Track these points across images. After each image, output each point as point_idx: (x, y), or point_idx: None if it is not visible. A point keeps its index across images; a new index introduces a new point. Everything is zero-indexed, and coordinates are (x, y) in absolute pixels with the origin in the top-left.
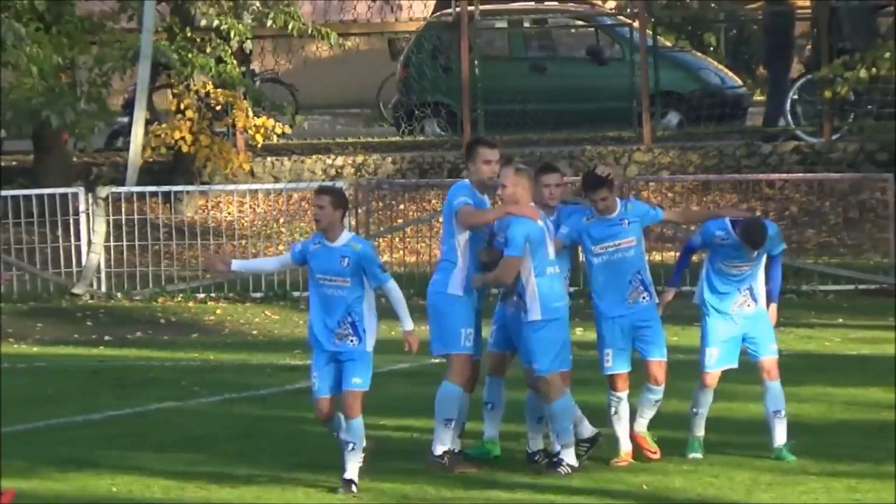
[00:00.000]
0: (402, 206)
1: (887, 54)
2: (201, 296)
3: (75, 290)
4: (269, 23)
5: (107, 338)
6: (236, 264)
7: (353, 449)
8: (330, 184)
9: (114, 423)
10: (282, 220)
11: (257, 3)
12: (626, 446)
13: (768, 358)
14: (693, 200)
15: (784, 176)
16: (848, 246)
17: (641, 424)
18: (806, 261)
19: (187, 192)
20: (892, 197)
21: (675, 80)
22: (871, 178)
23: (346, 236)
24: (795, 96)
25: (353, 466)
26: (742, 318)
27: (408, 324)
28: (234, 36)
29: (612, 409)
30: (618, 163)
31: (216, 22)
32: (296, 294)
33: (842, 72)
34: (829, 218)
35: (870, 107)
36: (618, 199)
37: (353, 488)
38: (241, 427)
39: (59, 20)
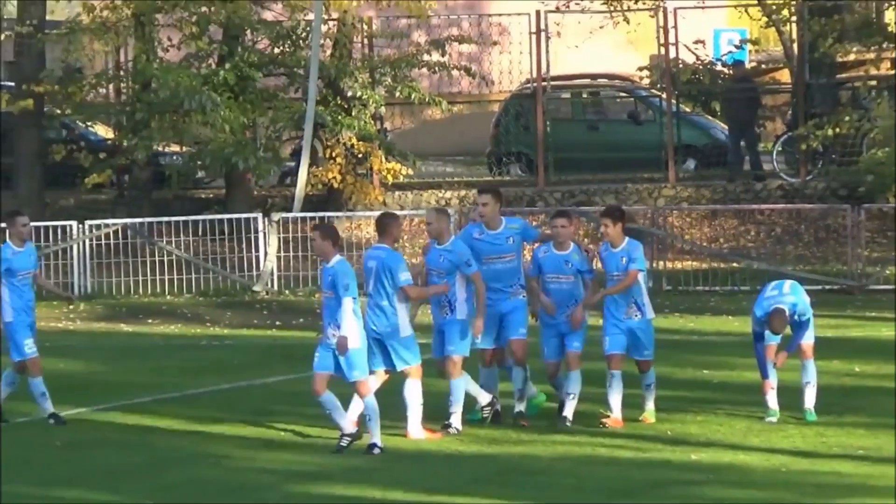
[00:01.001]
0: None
1: (847, 118)
2: None
3: (255, 288)
4: (397, 93)
5: (277, 323)
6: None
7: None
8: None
9: (283, 385)
10: (405, 238)
11: (388, 79)
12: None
13: (807, 343)
14: (705, 224)
15: (771, 206)
16: (817, 258)
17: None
18: (787, 268)
19: (337, 217)
20: (849, 222)
21: (691, 136)
22: (834, 209)
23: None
24: (780, 148)
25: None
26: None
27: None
28: (372, 103)
29: (608, 383)
30: (650, 197)
31: (359, 93)
32: None
33: (814, 130)
34: (804, 237)
35: (834, 156)
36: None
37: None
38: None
39: (245, 92)
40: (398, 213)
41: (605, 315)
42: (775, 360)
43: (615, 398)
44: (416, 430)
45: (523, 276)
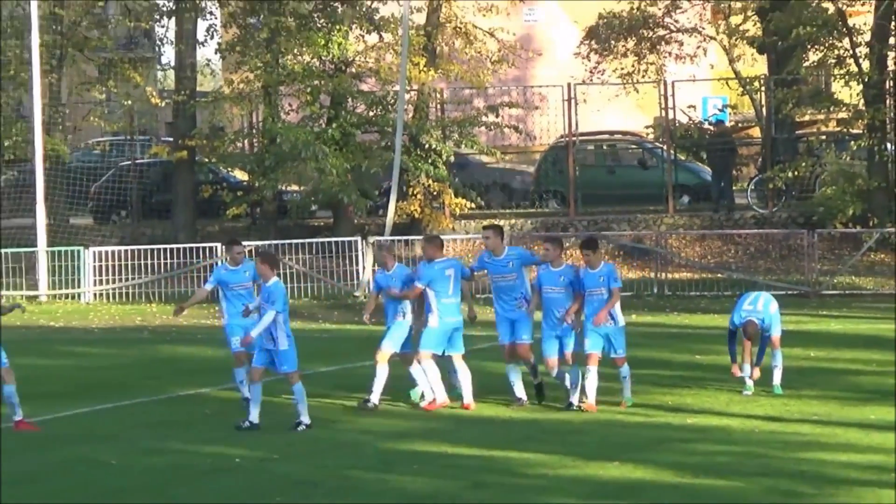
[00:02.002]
0: (535, 247)
1: (803, 164)
2: None
3: (355, 294)
4: (462, 146)
5: (373, 320)
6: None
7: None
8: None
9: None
10: (470, 256)
11: (456, 135)
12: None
13: (775, 336)
14: (696, 244)
15: (746, 231)
16: (782, 270)
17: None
18: (758, 278)
19: (417, 240)
20: (806, 243)
21: (685, 178)
22: (794, 233)
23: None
24: (752, 187)
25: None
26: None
27: None
28: (443, 153)
29: (586, 376)
30: (654, 224)
31: (434, 145)
32: None
33: (778, 173)
34: (772, 254)
35: (794, 193)
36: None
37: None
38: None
39: (347, 145)
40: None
41: (585, 322)
42: (752, 375)
43: (591, 388)
44: (469, 400)
45: (529, 291)
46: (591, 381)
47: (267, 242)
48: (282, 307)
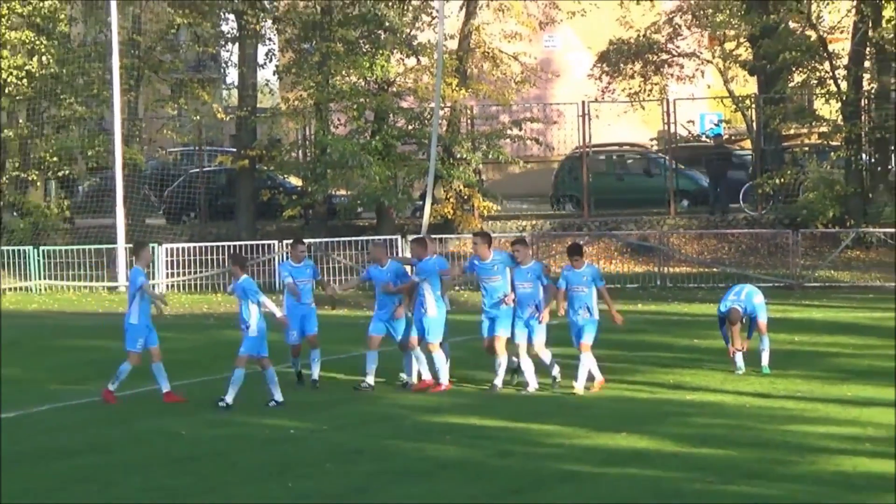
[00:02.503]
0: (555, 245)
1: (788, 172)
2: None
3: None
4: (490, 155)
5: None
6: None
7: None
8: (519, 233)
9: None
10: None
11: (484, 146)
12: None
13: (762, 322)
14: (695, 242)
15: (739, 231)
16: (769, 265)
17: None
18: (749, 272)
19: (450, 237)
20: (791, 241)
21: (685, 184)
22: (780, 233)
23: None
24: (745, 192)
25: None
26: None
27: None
28: (473, 162)
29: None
30: (658, 225)
31: (465, 155)
32: None
33: (766, 180)
34: (761, 251)
35: (780, 197)
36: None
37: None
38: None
39: (389, 155)
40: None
41: (571, 316)
42: (741, 347)
43: (583, 372)
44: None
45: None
46: (584, 367)
47: (318, 240)
48: (256, 297)
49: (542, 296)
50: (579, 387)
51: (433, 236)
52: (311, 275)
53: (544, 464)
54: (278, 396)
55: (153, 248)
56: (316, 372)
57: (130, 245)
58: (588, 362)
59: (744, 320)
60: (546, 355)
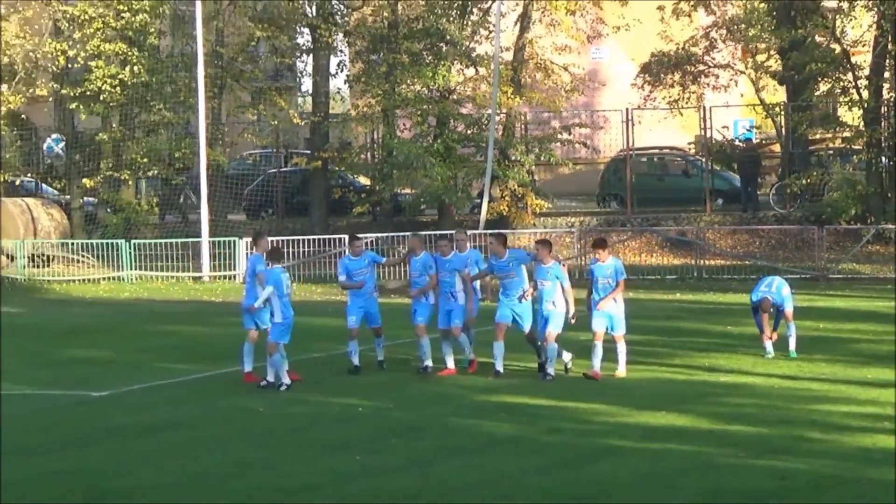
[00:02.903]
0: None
1: (814, 173)
2: None
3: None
4: (542, 158)
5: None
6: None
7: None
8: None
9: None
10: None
11: (537, 149)
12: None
13: (788, 311)
14: (728, 237)
15: (769, 227)
16: (797, 258)
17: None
18: (778, 265)
19: (504, 232)
20: (816, 237)
21: (720, 184)
22: (807, 229)
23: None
24: (774, 192)
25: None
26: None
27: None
28: (526, 164)
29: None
30: (695, 221)
31: (519, 157)
32: None
33: (794, 181)
34: (789, 245)
35: (806, 197)
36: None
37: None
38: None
39: (450, 157)
40: (541, 230)
41: (593, 306)
42: (772, 337)
43: (597, 358)
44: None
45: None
46: (597, 353)
47: (385, 234)
48: (281, 290)
49: (563, 295)
50: (621, 370)
51: (490, 231)
52: (371, 264)
53: (591, 439)
54: (286, 380)
55: (234, 241)
56: (381, 354)
57: (214, 239)
58: (623, 349)
59: (772, 311)
60: (555, 347)
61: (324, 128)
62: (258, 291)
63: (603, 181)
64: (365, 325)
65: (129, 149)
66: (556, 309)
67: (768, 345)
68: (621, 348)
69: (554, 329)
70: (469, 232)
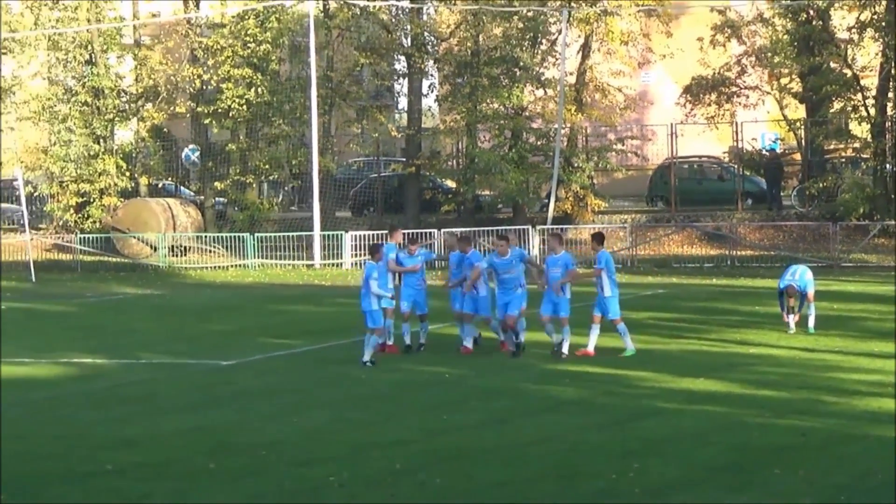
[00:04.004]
0: (649, 234)
1: (829, 178)
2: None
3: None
4: (600, 165)
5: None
6: None
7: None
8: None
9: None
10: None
11: (595, 157)
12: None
13: (810, 293)
14: (757, 232)
15: (790, 223)
16: (815, 249)
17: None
18: (799, 255)
19: (568, 228)
20: (831, 231)
21: (750, 187)
22: (823, 224)
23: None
24: (795, 193)
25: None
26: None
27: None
28: (587, 169)
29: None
30: (729, 218)
31: (581, 164)
32: None
33: (812, 184)
34: (808, 239)
35: (822, 198)
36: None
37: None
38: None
39: (522, 163)
40: (599, 226)
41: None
42: (796, 318)
43: (592, 338)
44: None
45: (524, 280)
46: (593, 334)
47: (468, 229)
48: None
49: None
50: (629, 348)
51: (557, 227)
52: (423, 261)
53: (639, 401)
54: (367, 357)
55: (341, 235)
56: (423, 338)
57: (324, 233)
58: (624, 330)
59: (797, 294)
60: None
61: (417, 139)
62: (389, 278)
63: (651, 184)
64: (414, 310)
65: (254, 157)
66: (565, 295)
67: (791, 320)
68: (622, 330)
69: (563, 314)
70: (539, 227)
